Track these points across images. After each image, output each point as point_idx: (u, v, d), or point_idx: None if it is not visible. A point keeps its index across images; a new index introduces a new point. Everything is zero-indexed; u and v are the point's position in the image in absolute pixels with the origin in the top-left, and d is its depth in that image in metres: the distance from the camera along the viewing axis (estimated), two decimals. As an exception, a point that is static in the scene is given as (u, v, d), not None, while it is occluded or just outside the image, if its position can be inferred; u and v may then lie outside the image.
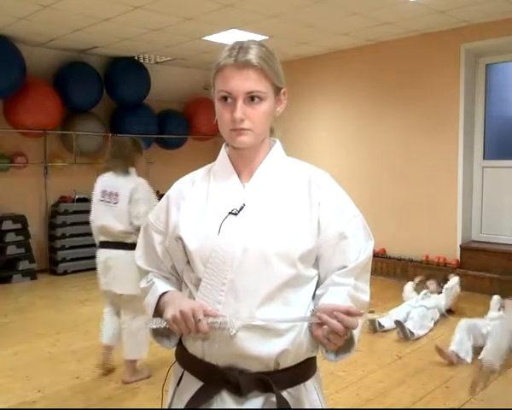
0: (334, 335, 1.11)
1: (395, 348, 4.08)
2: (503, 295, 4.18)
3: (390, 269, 6.29)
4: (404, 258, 6.25)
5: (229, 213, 1.21)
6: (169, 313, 1.17)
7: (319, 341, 1.16)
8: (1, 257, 6.16)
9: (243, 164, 1.28)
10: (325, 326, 1.11)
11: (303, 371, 1.23)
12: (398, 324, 4.25)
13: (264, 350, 1.16)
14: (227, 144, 1.31)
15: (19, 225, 6.22)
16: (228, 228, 1.20)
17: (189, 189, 1.31)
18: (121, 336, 3.42)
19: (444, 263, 5.86)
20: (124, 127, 6.94)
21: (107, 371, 3.53)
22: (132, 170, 3.38)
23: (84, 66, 6.72)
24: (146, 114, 7.30)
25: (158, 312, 1.26)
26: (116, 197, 3.29)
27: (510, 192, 5.75)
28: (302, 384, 1.23)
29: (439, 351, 3.72)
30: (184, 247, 1.24)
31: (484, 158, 5.98)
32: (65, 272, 6.61)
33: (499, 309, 4.12)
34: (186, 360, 1.26)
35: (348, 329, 1.11)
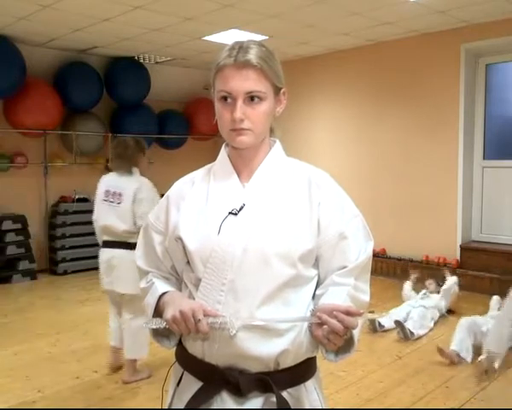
0: (333, 335, 1.11)
1: (395, 348, 4.08)
2: (503, 296, 4.18)
3: (390, 269, 6.29)
4: (404, 258, 6.25)
5: (229, 213, 1.21)
6: (169, 313, 1.17)
7: (319, 341, 1.16)
8: (1, 257, 6.16)
9: (243, 164, 1.27)
10: (325, 326, 1.11)
11: (303, 371, 1.23)
12: (398, 324, 4.25)
13: (264, 350, 1.16)
14: (227, 144, 1.31)
15: (19, 225, 6.22)
16: (228, 228, 1.20)
17: (189, 189, 1.31)
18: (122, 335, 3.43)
19: (444, 263, 5.86)
20: (124, 127, 6.94)
21: (116, 369, 3.56)
22: (135, 170, 3.40)
23: (84, 66, 6.72)
24: (146, 114, 7.30)
25: (158, 312, 1.26)
26: (120, 197, 3.30)
27: (510, 192, 5.75)
28: (302, 384, 1.23)
29: (441, 351, 3.72)
30: (184, 247, 1.24)
31: (484, 158, 5.99)
32: (65, 272, 6.61)
33: (499, 309, 4.12)
34: (186, 360, 1.25)
35: (348, 329, 1.11)
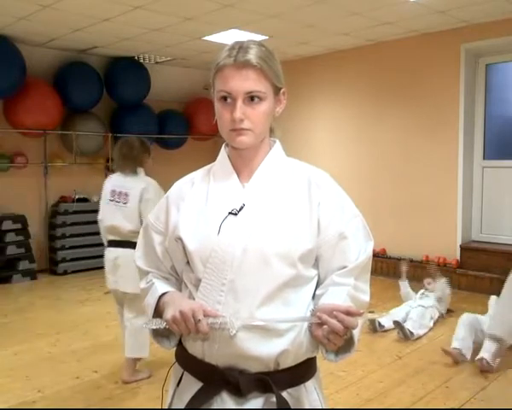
0: (333, 335, 1.11)
1: (395, 348, 4.07)
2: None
3: (390, 269, 6.28)
4: (404, 258, 6.24)
5: (229, 213, 1.21)
6: (169, 313, 1.17)
7: (319, 341, 1.16)
8: (1, 257, 6.16)
9: (243, 164, 1.27)
10: (325, 326, 1.11)
11: (303, 371, 1.23)
12: (397, 324, 4.25)
13: (264, 350, 1.16)
14: (227, 144, 1.31)
15: (19, 225, 6.22)
16: (228, 228, 1.20)
17: (189, 189, 1.31)
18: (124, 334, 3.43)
19: (444, 263, 5.86)
20: (124, 127, 6.93)
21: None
22: (141, 170, 3.41)
23: (84, 66, 6.72)
24: (146, 114, 7.30)
25: (158, 312, 1.26)
26: (126, 197, 3.31)
27: (510, 192, 5.75)
28: (302, 385, 1.23)
29: (446, 352, 3.70)
30: (184, 247, 1.24)
31: (484, 158, 5.98)
32: (65, 272, 6.60)
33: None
34: (186, 360, 1.25)
35: (348, 329, 1.11)
